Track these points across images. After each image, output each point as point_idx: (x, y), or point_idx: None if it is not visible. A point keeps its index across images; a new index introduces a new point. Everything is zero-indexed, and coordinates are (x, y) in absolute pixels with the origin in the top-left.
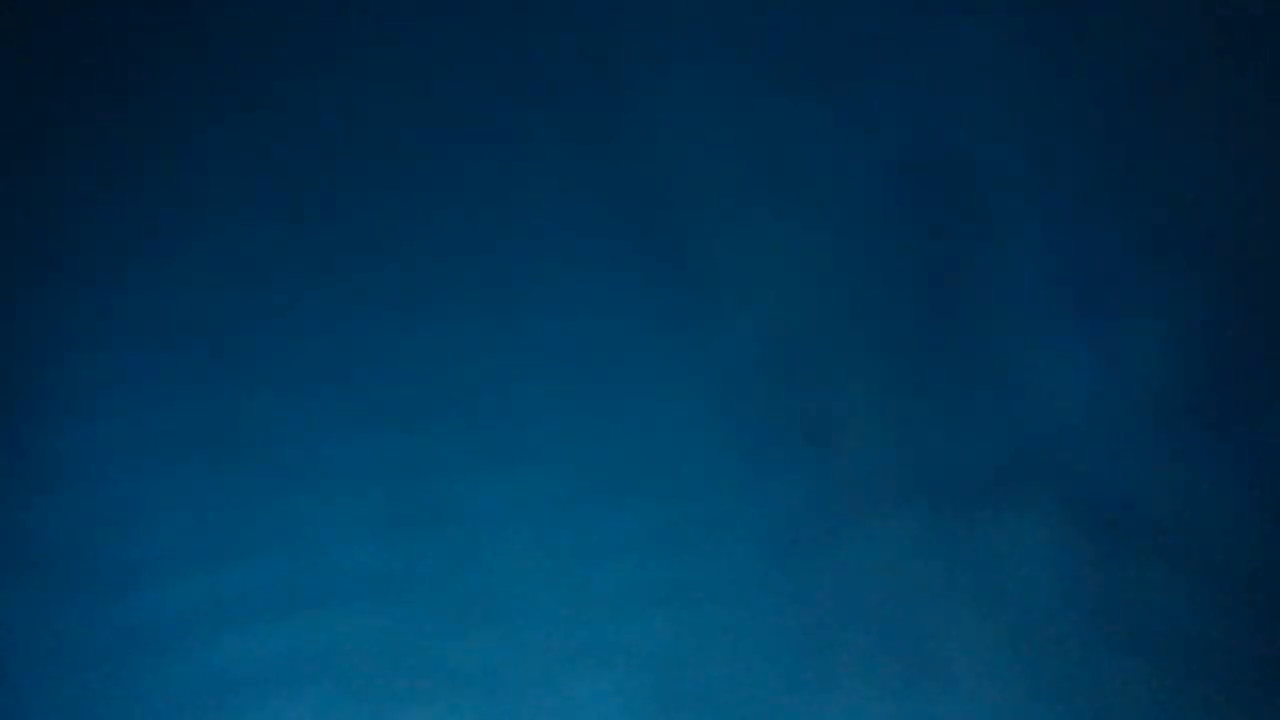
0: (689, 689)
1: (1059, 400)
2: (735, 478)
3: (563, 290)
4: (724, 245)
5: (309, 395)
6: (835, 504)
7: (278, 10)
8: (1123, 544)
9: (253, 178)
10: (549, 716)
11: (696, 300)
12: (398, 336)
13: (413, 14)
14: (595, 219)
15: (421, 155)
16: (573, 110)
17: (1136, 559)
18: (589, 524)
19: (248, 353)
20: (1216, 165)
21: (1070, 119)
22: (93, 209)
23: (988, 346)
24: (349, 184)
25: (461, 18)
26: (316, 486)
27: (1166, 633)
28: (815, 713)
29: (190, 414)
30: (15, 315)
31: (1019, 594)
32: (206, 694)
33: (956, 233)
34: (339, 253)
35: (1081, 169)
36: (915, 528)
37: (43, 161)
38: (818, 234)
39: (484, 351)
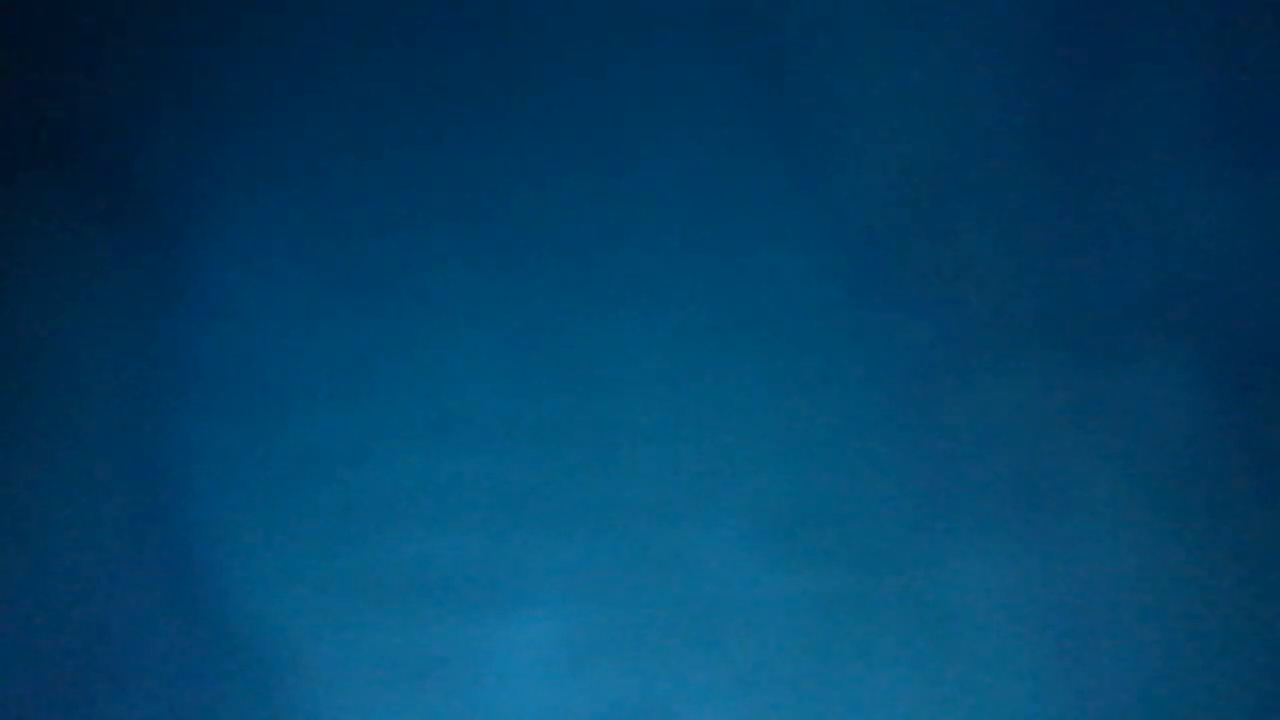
0: (811, 533)
1: (1199, 244)
2: (861, 322)
3: (683, 134)
4: (846, 84)
5: (442, 240)
6: (964, 349)
7: None
8: (1262, 392)
9: (394, 44)
10: (670, 557)
11: (820, 139)
12: (526, 184)
13: None
14: (712, 61)
15: (546, 10)
16: None
17: (1276, 406)
18: (713, 368)
19: (387, 200)
20: None
21: None
22: (249, 62)
23: (1126, 188)
24: (475, 45)
25: None
26: (446, 328)
27: None
28: (940, 558)
29: (333, 256)
30: (181, 166)
31: (1154, 442)
32: (345, 520)
33: (1095, 66)
34: (467, 106)
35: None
36: (1047, 373)
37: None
38: (945, 70)
39: (607, 198)
